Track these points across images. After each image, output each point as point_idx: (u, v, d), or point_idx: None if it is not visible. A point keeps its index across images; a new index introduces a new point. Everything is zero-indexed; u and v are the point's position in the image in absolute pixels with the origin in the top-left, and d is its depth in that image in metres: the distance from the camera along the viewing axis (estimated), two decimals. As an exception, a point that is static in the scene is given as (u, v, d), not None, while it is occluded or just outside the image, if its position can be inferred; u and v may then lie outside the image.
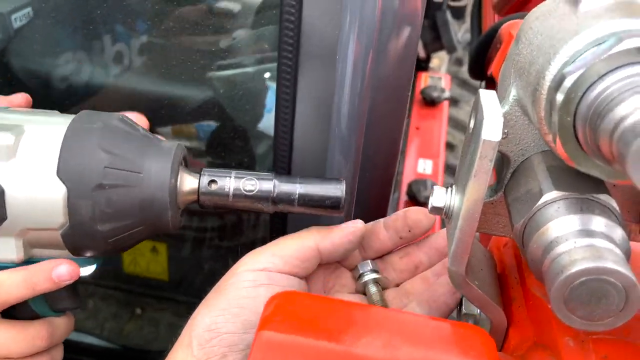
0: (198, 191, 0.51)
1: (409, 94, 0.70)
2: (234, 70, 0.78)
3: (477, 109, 0.41)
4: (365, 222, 0.57)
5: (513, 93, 0.42)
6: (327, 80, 0.58)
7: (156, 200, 0.49)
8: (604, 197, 0.37)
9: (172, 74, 0.76)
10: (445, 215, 0.46)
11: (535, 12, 0.42)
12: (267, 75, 0.77)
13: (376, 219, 0.63)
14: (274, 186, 0.51)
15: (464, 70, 2.66)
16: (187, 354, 0.45)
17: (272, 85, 0.76)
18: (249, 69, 0.78)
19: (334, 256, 0.53)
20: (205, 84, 0.77)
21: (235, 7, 0.72)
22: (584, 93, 0.32)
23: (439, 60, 2.71)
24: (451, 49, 2.03)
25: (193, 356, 0.45)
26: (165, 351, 0.48)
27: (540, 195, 0.38)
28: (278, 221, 0.69)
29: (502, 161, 0.46)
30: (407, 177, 1.64)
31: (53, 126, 0.49)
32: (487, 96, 0.40)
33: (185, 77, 0.76)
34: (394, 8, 0.59)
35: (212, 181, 0.51)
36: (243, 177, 0.51)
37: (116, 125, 0.50)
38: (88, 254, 0.51)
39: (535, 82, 0.36)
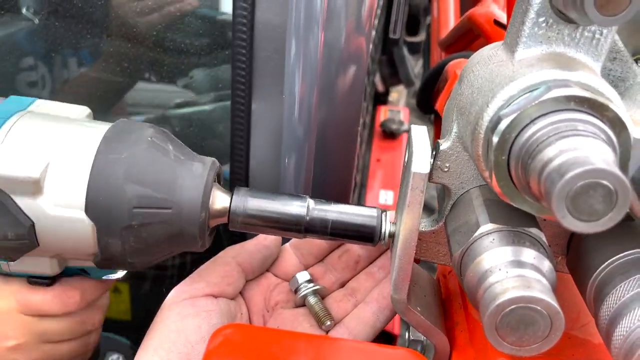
0: (229, 212, 0.49)
1: (359, 128, 0.73)
2: (191, 108, 0.80)
3: (410, 143, 0.44)
4: None
5: (455, 130, 0.45)
6: (280, 115, 0.60)
7: (186, 234, 0.47)
8: (534, 231, 0.40)
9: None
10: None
11: (477, 56, 0.45)
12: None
13: None
14: (308, 210, 0.48)
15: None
16: None
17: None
18: (206, 107, 0.80)
19: (255, 266, 0.54)
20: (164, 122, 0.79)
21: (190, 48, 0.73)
22: (517, 135, 0.35)
23: (398, 93, 2.78)
24: (409, 83, 2.10)
25: None
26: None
27: (477, 227, 0.41)
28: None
29: (443, 193, 0.49)
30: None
31: (79, 155, 0.47)
32: (417, 132, 0.43)
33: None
34: (339, 47, 0.62)
35: (244, 202, 0.49)
36: (276, 200, 0.49)
37: (144, 152, 0.47)
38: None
39: (474, 121, 0.39)
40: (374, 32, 1.07)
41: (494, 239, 0.40)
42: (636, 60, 0.44)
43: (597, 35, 0.38)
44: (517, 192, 0.37)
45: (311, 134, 0.60)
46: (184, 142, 0.51)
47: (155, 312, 0.50)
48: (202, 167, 0.48)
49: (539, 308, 0.35)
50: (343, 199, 0.74)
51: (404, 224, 0.42)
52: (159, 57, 0.73)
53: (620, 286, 0.38)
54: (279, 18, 0.57)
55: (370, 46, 0.96)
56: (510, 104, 0.36)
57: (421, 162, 0.41)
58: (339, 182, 0.74)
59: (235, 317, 0.52)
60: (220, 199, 0.49)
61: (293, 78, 0.56)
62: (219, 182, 0.51)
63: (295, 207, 0.48)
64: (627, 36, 0.44)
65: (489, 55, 0.43)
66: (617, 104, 0.35)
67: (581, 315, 0.49)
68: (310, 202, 0.49)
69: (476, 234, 0.40)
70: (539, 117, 0.34)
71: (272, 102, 0.62)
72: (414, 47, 2.10)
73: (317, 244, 0.56)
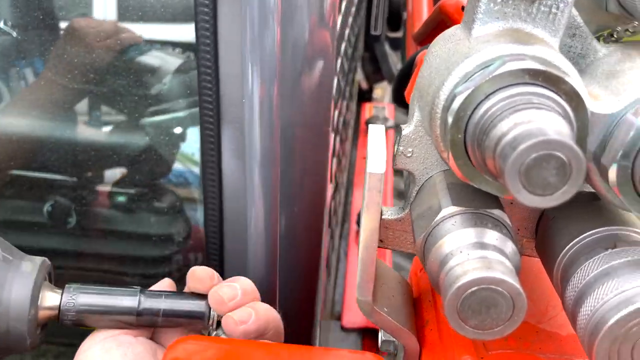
0: (59, 309, 0.50)
1: (330, 127, 0.71)
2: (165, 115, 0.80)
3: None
4: (302, 252, 0.58)
5: (416, 114, 0.44)
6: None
7: (13, 332, 0.48)
8: (497, 212, 0.39)
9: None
10: None
11: (439, 37, 0.44)
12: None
13: (310, 250, 0.64)
14: (139, 302, 0.51)
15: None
16: None
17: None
18: (180, 114, 0.80)
19: None
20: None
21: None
22: (472, 112, 0.34)
23: (382, 90, 2.77)
24: (391, 79, 2.10)
25: None
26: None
27: (439, 210, 0.40)
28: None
29: (409, 179, 0.48)
30: (356, 207, 1.65)
31: None
32: (374, 131, 0.42)
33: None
34: (303, 43, 0.61)
35: (75, 299, 0.50)
36: (107, 294, 0.51)
37: None
38: None
39: (431, 102, 0.38)
40: (347, 29, 1.06)
41: (455, 222, 0.39)
42: (598, 38, 0.43)
43: (553, 10, 0.37)
44: (476, 171, 0.36)
45: (274, 135, 0.58)
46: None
47: None
48: (31, 266, 0.50)
49: (500, 289, 0.34)
50: (319, 194, 0.72)
51: (363, 225, 0.41)
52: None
53: (585, 265, 0.37)
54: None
55: (343, 43, 0.95)
56: (465, 81, 0.35)
57: (376, 162, 0.40)
58: (313, 183, 0.73)
59: (156, 352, 0.51)
60: (50, 297, 0.50)
61: (250, 78, 0.54)
62: (50, 280, 0.52)
63: (127, 301, 0.51)
64: (589, 14, 0.43)
65: (449, 35, 0.42)
66: (573, 77, 0.34)
67: (549, 308, 0.48)
68: (142, 296, 0.51)
69: (438, 217, 0.39)
70: (493, 92, 0.33)
71: (240, 106, 0.61)
72: (396, 42, 2.10)
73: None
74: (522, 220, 0.46)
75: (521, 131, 0.29)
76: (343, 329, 1.13)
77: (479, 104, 0.33)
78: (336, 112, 0.89)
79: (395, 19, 2.06)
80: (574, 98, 0.33)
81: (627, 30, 0.40)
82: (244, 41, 0.53)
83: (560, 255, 0.40)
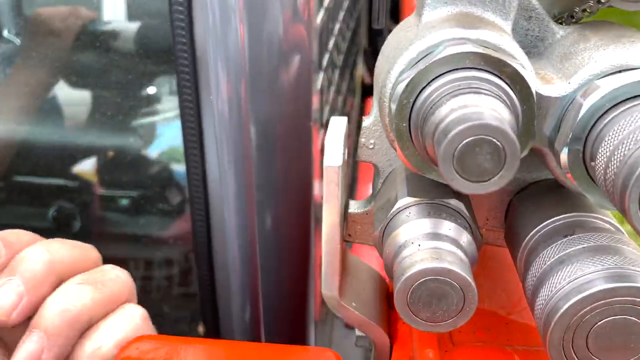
0: None
1: (312, 121, 0.71)
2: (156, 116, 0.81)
3: None
4: (288, 250, 0.57)
5: (375, 105, 0.43)
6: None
7: None
8: (453, 202, 0.39)
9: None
10: None
11: (397, 26, 0.44)
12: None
13: (297, 249, 0.63)
14: None
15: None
16: None
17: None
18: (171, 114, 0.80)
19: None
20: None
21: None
22: (415, 99, 0.33)
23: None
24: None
25: None
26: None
27: (395, 202, 0.39)
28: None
29: (375, 172, 0.47)
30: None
31: None
32: (335, 123, 0.41)
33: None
34: (278, 37, 0.60)
35: None
36: None
37: None
38: None
39: (380, 90, 0.37)
40: (338, 24, 1.05)
41: (410, 213, 0.38)
42: (560, 20, 0.42)
43: (502, -8, 0.36)
44: (424, 161, 0.35)
45: (244, 131, 0.58)
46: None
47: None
48: None
49: (449, 280, 0.33)
50: (305, 190, 0.72)
51: (324, 220, 0.41)
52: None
53: (542, 254, 0.36)
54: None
55: (332, 38, 0.94)
56: (410, 68, 0.34)
57: (333, 155, 0.39)
58: (297, 179, 0.72)
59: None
60: None
61: (216, 76, 0.54)
62: None
63: None
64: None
65: (403, 23, 0.41)
66: (520, 60, 0.33)
67: (522, 300, 0.47)
68: None
69: (394, 209, 0.39)
70: (435, 78, 0.32)
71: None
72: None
73: None
74: (491, 210, 0.45)
75: (455, 116, 0.28)
76: (346, 326, 1.12)
77: (421, 91, 0.33)
78: (327, 107, 0.89)
79: (398, 12, 2.04)
80: (517, 81, 0.32)
81: (584, 10, 0.39)
82: (207, 40, 0.52)
83: (522, 245, 0.39)
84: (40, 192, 0.90)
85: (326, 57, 0.84)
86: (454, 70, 0.32)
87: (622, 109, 0.31)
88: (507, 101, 0.31)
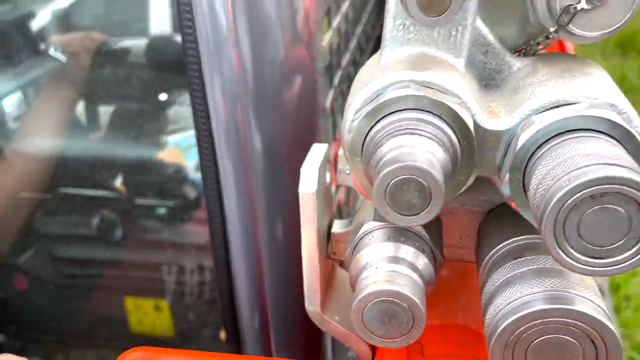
0: None
1: (317, 139, 0.74)
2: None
3: None
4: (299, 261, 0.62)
5: (348, 134, 0.46)
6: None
7: None
8: (415, 227, 0.42)
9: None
10: None
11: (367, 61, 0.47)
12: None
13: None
14: None
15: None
16: None
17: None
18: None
19: None
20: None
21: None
22: (365, 136, 0.36)
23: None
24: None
25: None
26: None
27: (362, 225, 0.42)
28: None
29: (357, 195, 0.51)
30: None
31: None
32: (314, 151, 0.45)
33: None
34: (279, 60, 0.64)
35: None
36: None
37: None
38: None
39: (343, 123, 0.40)
40: (354, 41, 1.08)
41: (373, 237, 0.41)
42: (523, 52, 0.44)
43: (453, 33, 0.39)
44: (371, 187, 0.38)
45: (242, 150, 0.62)
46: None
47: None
48: None
49: (397, 301, 0.36)
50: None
51: (303, 242, 0.44)
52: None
53: (494, 274, 0.38)
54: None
55: (347, 55, 0.97)
56: (363, 107, 0.37)
57: (308, 182, 0.42)
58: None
59: None
60: None
61: (213, 97, 0.58)
62: None
63: None
64: (520, 27, 0.45)
65: (370, 60, 0.44)
66: (463, 98, 0.36)
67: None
68: None
69: (360, 232, 0.42)
70: (382, 117, 0.36)
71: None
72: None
73: None
74: (464, 229, 0.48)
75: (390, 157, 0.32)
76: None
77: (370, 129, 0.36)
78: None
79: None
80: (456, 121, 0.35)
81: (538, 43, 0.41)
82: (204, 64, 0.57)
83: (482, 264, 0.41)
84: (83, 202, 0.97)
85: (339, 74, 0.87)
86: (399, 111, 0.35)
87: (553, 143, 0.34)
88: (445, 140, 0.34)
